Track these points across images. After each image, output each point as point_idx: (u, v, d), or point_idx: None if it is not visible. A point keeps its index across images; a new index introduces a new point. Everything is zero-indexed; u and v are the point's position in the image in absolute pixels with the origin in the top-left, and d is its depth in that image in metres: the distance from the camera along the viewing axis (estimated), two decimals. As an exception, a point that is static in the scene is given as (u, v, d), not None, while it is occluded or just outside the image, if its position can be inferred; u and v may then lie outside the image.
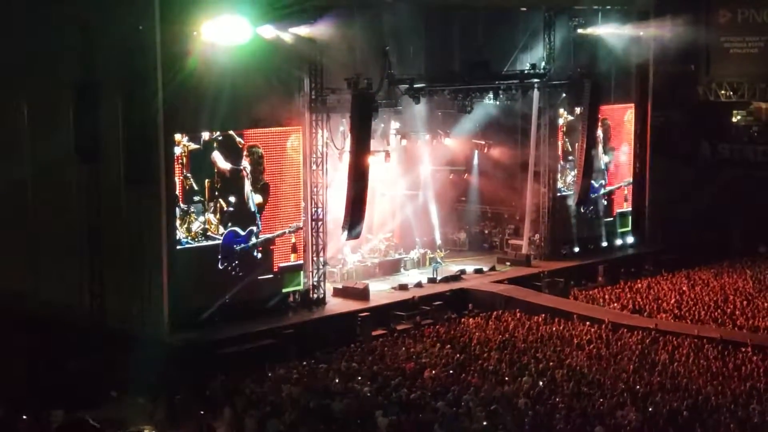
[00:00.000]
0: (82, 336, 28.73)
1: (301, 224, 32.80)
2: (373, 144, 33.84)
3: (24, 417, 22.96)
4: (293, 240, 32.78)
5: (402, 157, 39.27)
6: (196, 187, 30.34)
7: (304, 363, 27.91)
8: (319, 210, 33.05)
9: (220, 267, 30.84)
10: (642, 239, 44.77)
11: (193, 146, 30.14)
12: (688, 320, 32.82)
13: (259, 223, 31.81)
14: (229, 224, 31.07)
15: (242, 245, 31.42)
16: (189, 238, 30.30)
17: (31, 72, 31.93)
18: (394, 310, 33.61)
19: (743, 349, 28.61)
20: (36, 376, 26.32)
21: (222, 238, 30.91)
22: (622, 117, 44.46)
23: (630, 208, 44.89)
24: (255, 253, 31.75)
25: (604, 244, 43.29)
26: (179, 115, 29.54)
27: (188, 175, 30.17)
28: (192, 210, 30.33)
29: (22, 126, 32.69)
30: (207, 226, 30.65)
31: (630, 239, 44.32)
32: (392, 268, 38.31)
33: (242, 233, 31.43)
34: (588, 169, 40.72)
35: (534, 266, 39.64)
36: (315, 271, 33.13)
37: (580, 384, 25.49)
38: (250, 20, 29.85)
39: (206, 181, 30.55)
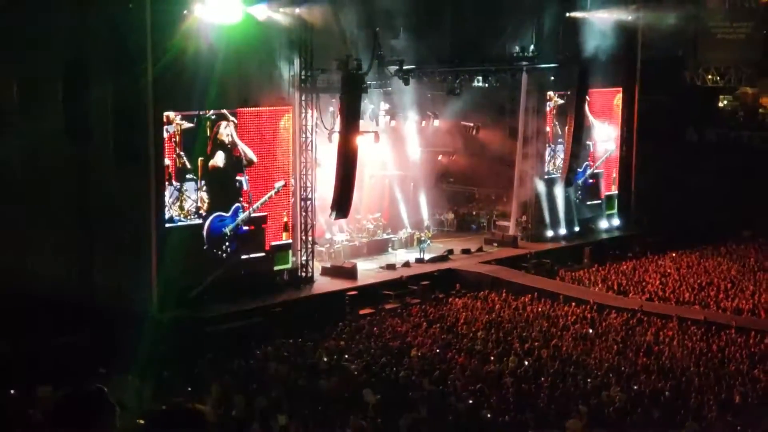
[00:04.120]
0: (71, 312, 28.80)
1: (283, 182, 32.89)
2: (362, 125, 33.93)
3: (11, 392, 23.04)
4: (285, 219, 32.96)
5: (391, 138, 39.37)
6: (189, 166, 30.47)
7: (292, 341, 28.08)
8: (308, 190, 33.20)
9: (207, 254, 31.01)
10: (628, 222, 45.05)
11: (186, 125, 30.25)
12: (673, 302, 33.12)
13: (251, 199, 31.98)
14: (213, 209, 31.23)
15: (230, 225, 31.59)
16: (182, 216, 30.45)
17: (21, 50, 31.84)
18: (382, 289, 33.81)
19: (727, 331, 28.88)
20: (24, 352, 26.39)
21: (207, 224, 31.04)
22: (611, 101, 44.67)
23: (617, 191, 45.19)
24: (243, 230, 31.91)
25: (591, 226, 43.56)
26: (169, 94, 29.57)
27: (181, 153, 30.29)
28: (185, 188, 30.47)
29: (12, 103, 32.65)
30: (200, 204, 30.79)
31: (615, 222, 44.64)
32: (380, 247, 38.49)
33: (227, 214, 31.57)
34: (575, 153, 40.94)
35: (521, 247, 39.87)
36: (303, 250, 33.28)
37: (565, 364, 25.73)
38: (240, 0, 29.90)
39: (199, 159, 30.69)
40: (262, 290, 31.92)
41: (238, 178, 31.72)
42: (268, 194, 32.57)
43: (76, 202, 30.20)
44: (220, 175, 31.33)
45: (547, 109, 41.94)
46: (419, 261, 37.00)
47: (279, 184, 32.80)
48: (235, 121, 31.35)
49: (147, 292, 29.33)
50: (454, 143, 43.27)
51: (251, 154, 31.88)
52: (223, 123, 31.14)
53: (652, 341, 28.13)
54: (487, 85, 38.35)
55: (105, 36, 29.07)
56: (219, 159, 31.26)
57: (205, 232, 31.03)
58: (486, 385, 23.69)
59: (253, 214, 32.07)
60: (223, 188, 31.42)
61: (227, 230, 31.50)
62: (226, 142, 31.31)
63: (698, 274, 36.64)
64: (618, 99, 44.83)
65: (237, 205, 31.77)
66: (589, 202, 43.82)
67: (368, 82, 32.96)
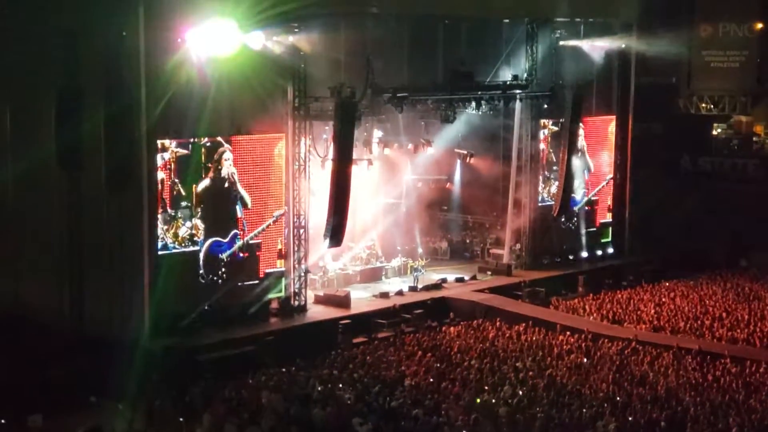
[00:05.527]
0: (62, 340, 28.61)
1: (282, 211, 32.78)
2: (356, 152, 33.90)
3: (2, 422, 22.87)
4: (279, 246, 32.85)
5: (384, 165, 39.35)
6: (183, 193, 30.41)
7: (284, 370, 27.91)
8: (301, 217, 33.11)
9: (202, 281, 30.89)
10: (622, 250, 44.96)
11: (181, 152, 30.23)
12: (668, 331, 32.99)
13: (245, 227, 31.90)
14: (210, 233, 31.14)
15: (227, 251, 31.49)
16: (176, 243, 30.35)
17: (14, 76, 31.78)
18: (375, 317, 33.65)
19: (722, 361, 28.78)
20: (15, 381, 26.19)
21: (205, 249, 30.97)
22: (606, 128, 44.69)
23: (611, 219, 45.13)
24: (240, 256, 31.80)
25: (585, 254, 43.50)
26: (163, 122, 29.53)
27: (176, 180, 30.25)
28: (179, 215, 30.39)
29: (4, 130, 32.54)
30: (194, 232, 30.71)
31: (610, 250, 44.56)
32: (373, 276, 38.35)
33: (224, 240, 31.48)
34: (569, 180, 40.92)
35: (515, 276, 39.75)
36: (296, 278, 33.17)
37: (559, 394, 25.57)
38: (234, 28, 29.88)
39: (194, 186, 30.63)
40: (255, 318, 31.79)
41: (233, 205, 31.66)
42: (267, 222, 32.51)
43: (68, 229, 30.05)
44: (215, 202, 31.22)
45: (541, 136, 41.97)
46: (413, 289, 36.87)
47: (278, 212, 32.73)
48: (230, 148, 31.36)
49: (139, 320, 29.20)
50: (447, 171, 43.22)
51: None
52: (225, 151, 31.11)
53: (647, 371, 27.98)
54: (480, 112, 38.32)
55: (98, 63, 29.04)
56: (215, 186, 31.19)
57: (202, 256, 30.96)
58: (480, 414, 23.52)
59: (246, 239, 32.00)
60: (218, 215, 31.31)
61: (224, 256, 31.43)
62: (223, 169, 31.28)
63: (693, 303, 36.51)
64: (612, 126, 44.86)
65: (234, 231, 31.70)
66: (584, 230, 43.74)
67: (361, 110, 32.92)
